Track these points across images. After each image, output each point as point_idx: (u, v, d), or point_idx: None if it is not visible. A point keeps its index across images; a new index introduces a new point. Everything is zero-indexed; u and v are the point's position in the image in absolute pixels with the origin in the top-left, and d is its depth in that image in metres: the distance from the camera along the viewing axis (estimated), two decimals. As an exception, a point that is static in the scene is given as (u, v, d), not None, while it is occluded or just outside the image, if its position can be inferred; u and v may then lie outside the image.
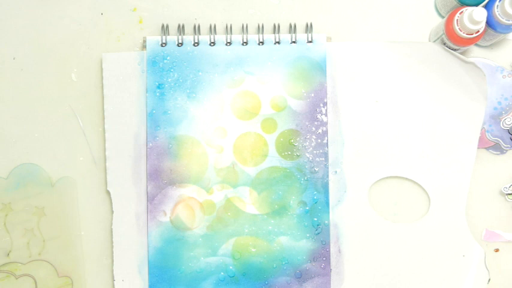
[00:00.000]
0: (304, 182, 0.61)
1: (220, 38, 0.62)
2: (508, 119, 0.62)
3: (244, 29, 0.62)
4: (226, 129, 0.61)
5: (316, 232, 0.60)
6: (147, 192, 0.60)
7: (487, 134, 0.62)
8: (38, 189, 0.61)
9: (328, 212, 0.61)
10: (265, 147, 0.61)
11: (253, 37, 0.62)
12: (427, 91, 0.62)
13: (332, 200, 0.61)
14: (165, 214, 0.60)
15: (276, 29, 0.62)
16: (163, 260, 0.60)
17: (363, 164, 0.62)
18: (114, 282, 0.60)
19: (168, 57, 0.61)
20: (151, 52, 0.61)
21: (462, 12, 0.57)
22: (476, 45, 0.63)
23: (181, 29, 0.62)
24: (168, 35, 0.62)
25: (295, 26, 0.62)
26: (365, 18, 0.64)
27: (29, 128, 0.62)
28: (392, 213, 0.62)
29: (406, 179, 0.62)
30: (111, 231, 0.61)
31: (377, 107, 0.62)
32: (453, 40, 0.59)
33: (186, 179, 0.60)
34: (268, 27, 0.63)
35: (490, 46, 0.63)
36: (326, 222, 0.60)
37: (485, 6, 0.59)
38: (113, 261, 0.60)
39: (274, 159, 0.61)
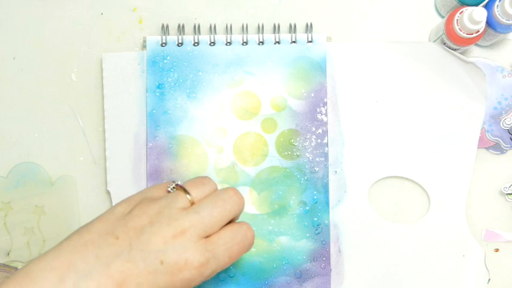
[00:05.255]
0: (304, 182, 0.61)
1: (220, 38, 0.62)
2: (508, 119, 0.62)
3: (244, 29, 0.62)
4: (226, 129, 0.61)
5: (316, 232, 0.60)
6: (147, 192, 0.60)
7: (487, 134, 0.62)
8: (37, 188, 0.61)
9: (328, 212, 0.61)
10: (265, 147, 0.61)
11: (253, 37, 0.62)
12: (427, 91, 0.62)
13: (332, 200, 0.61)
14: (165, 214, 0.60)
15: (276, 29, 0.62)
16: (163, 260, 0.60)
17: (363, 164, 0.62)
18: (114, 282, 0.60)
19: (168, 57, 0.61)
20: (151, 52, 0.61)
21: (462, 12, 0.57)
22: (476, 45, 0.63)
23: (181, 29, 0.62)
24: (168, 35, 0.62)
25: (295, 26, 0.62)
26: (365, 18, 0.64)
27: (29, 128, 0.62)
28: (392, 213, 0.62)
29: (406, 179, 0.62)
30: (111, 231, 0.61)
31: (377, 107, 0.62)
32: (453, 40, 0.59)
33: (186, 179, 0.60)
34: (268, 27, 0.63)
35: (490, 46, 0.63)
36: (326, 222, 0.60)
37: (485, 6, 0.59)
38: (112, 261, 0.60)
39: (274, 159, 0.61)
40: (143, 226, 0.45)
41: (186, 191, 0.48)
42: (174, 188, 0.49)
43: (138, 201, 0.47)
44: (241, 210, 0.50)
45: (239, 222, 0.50)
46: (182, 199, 0.48)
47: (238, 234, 0.49)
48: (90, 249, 0.43)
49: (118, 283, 0.42)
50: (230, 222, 0.50)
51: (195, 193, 0.48)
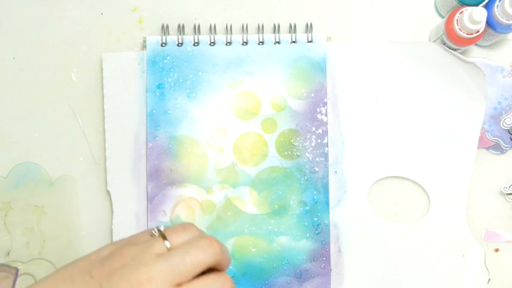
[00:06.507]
0: (304, 182, 0.61)
1: (220, 38, 0.62)
2: (508, 119, 0.62)
3: (244, 29, 0.62)
4: (226, 129, 0.61)
5: (316, 232, 0.60)
6: (147, 192, 0.60)
7: (487, 134, 0.62)
8: (37, 188, 0.61)
9: (328, 212, 0.61)
10: (265, 147, 0.61)
11: (253, 37, 0.62)
12: (427, 91, 0.62)
13: (332, 200, 0.61)
14: (165, 214, 0.60)
15: (276, 29, 0.62)
16: (163, 260, 0.60)
17: (363, 164, 0.62)
18: (114, 282, 0.60)
19: (168, 57, 0.61)
20: (151, 52, 0.61)
21: (462, 12, 0.57)
22: (476, 45, 0.63)
23: (181, 29, 0.62)
24: (168, 35, 0.62)
25: (295, 26, 0.62)
26: (365, 18, 0.64)
27: (29, 128, 0.62)
28: (392, 213, 0.62)
29: (406, 179, 0.62)
30: (111, 231, 0.61)
31: (377, 107, 0.62)
32: (453, 40, 0.59)
33: (186, 179, 0.60)
34: (268, 27, 0.63)
35: (490, 46, 0.63)
36: (326, 222, 0.60)
37: (485, 6, 0.59)
38: (112, 261, 0.60)
39: (274, 159, 0.61)
40: (115, 268, 0.44)
41: (164, 237, 0.47)
42: (156, 232, 0.48)
43: (123, 245, 0.47)
44: (217, 260, 0.47)
45: (219, 272, 0.48)
46: (159, 245, 0.46)
47: (213, 286, 0.46)
48: (68, 284, 0.43)
49: None
50: (214, 270, 0.48)
51: (174, 239, 0.47)
